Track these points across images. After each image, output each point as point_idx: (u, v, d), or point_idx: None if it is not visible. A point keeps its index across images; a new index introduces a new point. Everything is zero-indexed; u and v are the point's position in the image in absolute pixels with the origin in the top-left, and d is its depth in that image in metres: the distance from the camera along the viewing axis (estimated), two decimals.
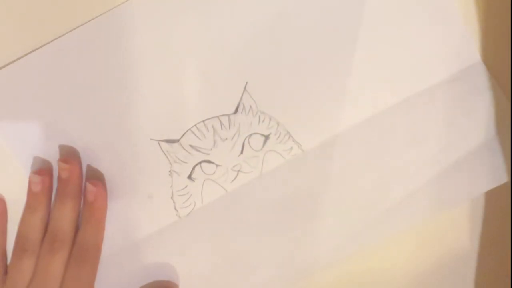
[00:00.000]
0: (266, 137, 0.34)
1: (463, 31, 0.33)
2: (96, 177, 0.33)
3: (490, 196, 0.34)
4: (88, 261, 0.32)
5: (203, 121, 0.33)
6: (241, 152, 0.34)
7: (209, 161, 0.33)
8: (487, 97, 0.34)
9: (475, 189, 0.34)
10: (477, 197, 0.34)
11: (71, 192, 0.32)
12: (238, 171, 0.34)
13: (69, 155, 0.33)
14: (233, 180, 0.34)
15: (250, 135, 0.34)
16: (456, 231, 0.35)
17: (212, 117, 0.33)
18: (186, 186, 0.34)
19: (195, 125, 0.33)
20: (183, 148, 0.33)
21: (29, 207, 0.32)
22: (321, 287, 0.35)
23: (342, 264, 0.34)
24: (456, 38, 0.33)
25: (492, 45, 0.33)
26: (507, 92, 0.34)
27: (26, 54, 0.32)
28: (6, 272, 0.33)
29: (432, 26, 0.33)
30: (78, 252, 0.32)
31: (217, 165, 0.34)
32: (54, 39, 0.32)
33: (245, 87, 0.33)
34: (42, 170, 0.33)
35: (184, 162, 0.33)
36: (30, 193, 0.32)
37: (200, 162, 0.33)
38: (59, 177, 0.33)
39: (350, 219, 0.34)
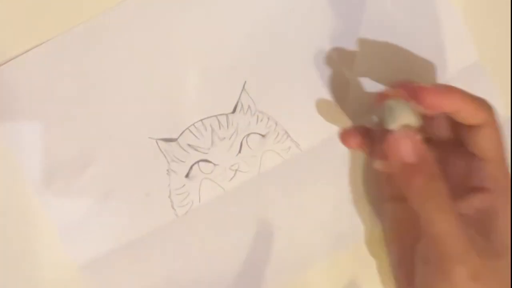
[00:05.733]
0: (264, 137, 0.34)
1: (461, 30, 0.33)
2: None
3: None
4: None
5: (201, 120, 0.33)
6: (239, 151, 0.34)
7: (207, 160, 0.33)
8: (486, 97, 0.34)
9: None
10: None
11: None
12: (236, 170, 0.34)
13: None
14: (231, 179, 0.34)
15: (248, 134, 0.34)
16: None
17: (210, 116, 0.33)
18: (184, 185, 0.33)
19: (193, 124, 0.33)
20: (181, 147, 0.33)
21: None
22: (319, 286, 0.35)
23: (340, 265, 0.34)
24: (454, 37, 0.33)
25: (492, 45, 0.34)
26: (507, 92, 0.34)
27: (24, 52, 0.32)
28: None
29: (430, 26, 0.33)
30: None
31: (215, 164, 0.33)
32: (52, 38, 0.32)
33: (243, 86, 0.33)
34: None
35: (182, 161, 0.33)
36: None
37: (198, 161, 0.33)
38: None
39: (350, 217, 0.34)
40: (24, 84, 0.32)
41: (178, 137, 0.33)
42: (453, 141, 0.28)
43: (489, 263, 0.24)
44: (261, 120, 0.33)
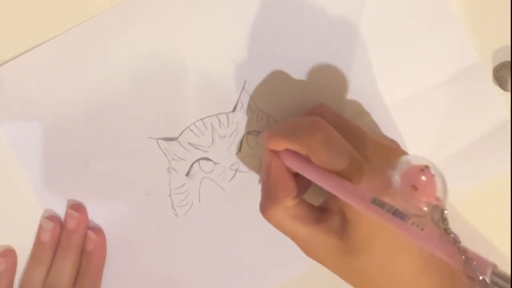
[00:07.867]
0: None
1: (461, 31, 0.33)
2: (96, 227, 0.33)
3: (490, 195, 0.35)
4: None
5: (202, 119, 0.33)
6: (239, 150, 0.34)
7: (207, 159, 0.34)
8: (485, 97, 0.34)
9: (470, 182, 0.34)
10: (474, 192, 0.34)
11: (75, 244, 0.32)
12: (236, 170, 0.34)
13: (77, 205, 0.33)
14: (230, 179, 0.34)
15: (248, 133, 0.34)
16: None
17: (211, 115, 0.33)
18: (184, 184, 0.34)
19: (193, 123, 0.33)
20: (181, 145, 0.33)
21: (35, 258, 0.32)
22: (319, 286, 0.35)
23: None
24: (454, 38, 0.33)
25: (490, 45, 0.34)
26: (506, 93, 0.34)
27: (24, 52, 0.32)
28: None
29: (430, 27, 0.33)
30: None
31: (215, 163, 0.34)
32: (53, 38, 0.32)
33: (243, 85, 0.33)
34: (54, 216, 0.33)
35: (183, 159, 0.33)
36: (39, 242, 0.32)
37: (198, 159, 0.33)
38: (64, 227, 0.32)
39: None
40: (24, 84, 0.32)
41: (179, 136, 0.33)
42: None
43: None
44: (261, 119, 0.33)
